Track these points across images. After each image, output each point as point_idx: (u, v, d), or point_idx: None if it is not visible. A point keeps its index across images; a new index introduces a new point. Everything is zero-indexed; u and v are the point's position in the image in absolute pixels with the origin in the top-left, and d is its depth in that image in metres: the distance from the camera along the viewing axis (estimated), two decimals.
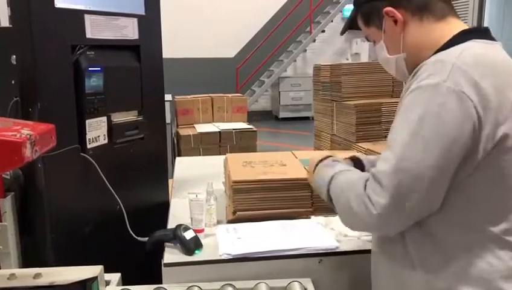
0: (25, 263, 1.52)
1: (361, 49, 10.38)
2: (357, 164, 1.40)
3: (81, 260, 1.28)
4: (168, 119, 4.14)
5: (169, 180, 2.34)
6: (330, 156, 1.31)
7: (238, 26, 10.33)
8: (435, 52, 1.04)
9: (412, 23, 1.09)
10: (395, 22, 1.10)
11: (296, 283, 1.31)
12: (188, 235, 1.45)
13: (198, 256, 1.42)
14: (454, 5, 1.13)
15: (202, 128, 5.09)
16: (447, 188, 0.97)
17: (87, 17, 1.69)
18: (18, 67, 1.56)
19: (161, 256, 1.44)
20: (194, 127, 5.17)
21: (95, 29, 1.73)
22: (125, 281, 1.38)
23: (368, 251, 1.24)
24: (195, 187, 1.75)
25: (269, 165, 1.81)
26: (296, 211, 1.65)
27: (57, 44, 1.61)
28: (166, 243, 1.48)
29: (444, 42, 1.05)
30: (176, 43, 8.78)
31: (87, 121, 1.72)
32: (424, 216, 1.00)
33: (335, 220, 1.55)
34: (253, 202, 1.64)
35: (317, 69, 3.76)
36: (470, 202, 0.98)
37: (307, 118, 10.05)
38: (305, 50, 10.91)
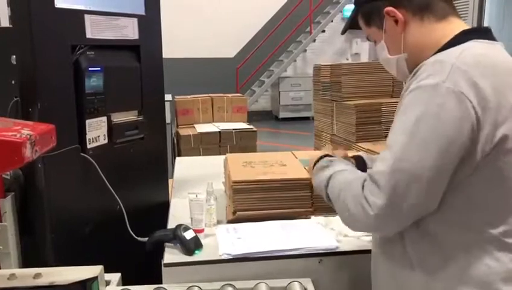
0: (25, 263, 1.52)
1: (362, 49, 10.41)
2: (359, 162, 1.40)
3: (81, 260, 1.28)
4: (168, 119, 4.14)
5: (169, 180, 2.34)
6: (328, 155, 1.30)
7: (238, 26, 10.32)
8: (436, 52, 1.04)
9: (413, 23, 1.09)
10: (396, 21, 1.09)
11: (296, 283, 1.31)
12: (188, 235, 1.45)
13: (198, 256, 1.42)
14: (454, 5, 1.13)
15: (202, 128, 5.09)
16: (445, 188, 0.97)
17: (87, 17, 1.69)
18: (18, 67, 1.56)
19: (161, 256, 1.44)
20: (194, 127, 5.17)
21: (95, 29, 1.73)
22: (125, 281, 1.38)
23: (368, 251, 1.24)
24: (195, 187, 1.75)
25: (269, 165, 1.81)
26: (296, 211, 1.65)
27: (57, 44, 1.61)
28: (166, 243, 1.48)
29: (445, 42, 1.05)
30: (176, 43, 8.77)
31: (87, 121, 1.72)
32: (422, 216, 1.00)
33: (335, 220, 1.55)
34: (253, 202, 1.64)
35: (317, 69, 3.76)
36: (469, 203, 0.98)
37: (307, 118, 10.04)
38: (305, 50, 10.91)
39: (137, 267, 1.63)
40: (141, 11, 1.96)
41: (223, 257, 1.40)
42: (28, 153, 1.19)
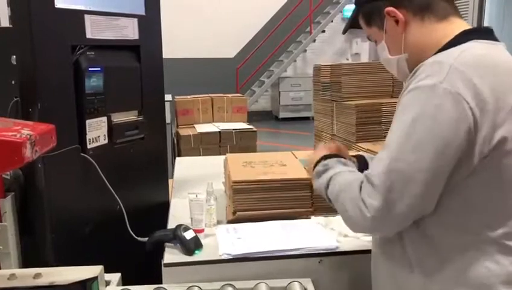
0: (25, 263, 1.52)
1: (362, 49, 10.42)
2: (361, 162, 1.39)
3: (81, 260, 1.28)
4: (168, 119, 4.14)
5: (169, 180, 2.34)
6: (327, 156, 1.29)
7: (238, 26, 10.33)
8: (436, 53, 1.03)
9: (414, 23, 1.08)
10: (397, 22, 1.09)
11: (296, 283, 1.31)
12: (188, 235, 1.44)
13: (198, 256, 1.42)
14: (456, 5, 1.12)
15: (202, 128, 5.09)
16: (441, 190, 0.96)
17: (87, 17, 1.69)
18: (18, 67, 1.56)
19: (161, 256, 1.44)
20: (194, 127, 5.17)
21: (95, 30, 1.73)
22: (125, 281, 1.38)
23: (368, 251, 1.24)
24: (195, 187, 1.75)
25: (269, 165, 1.81)
26: (296, 211, 1.65)
27: (57, 44, 1.61)
28: (166, 243, 1.48)
29: (445, 42, 1.04)
30: (176, 43, 8.78)
31: (87, 121, 1.72)
32: (419, 217, 1.00)
33: (335, 220, 1.55)
34: (253, 202, 1.64)
35: (317, 69, 3.76)
36: (466, 205, 0.97)
37: (307, 118, 10.05)
38: (305, 50, 10.91)
39: (137, 267, 1.63)
40: (141, 11, 1.96)
41: (223, 257, 1.40)
42: (28, 153, 1.19)
